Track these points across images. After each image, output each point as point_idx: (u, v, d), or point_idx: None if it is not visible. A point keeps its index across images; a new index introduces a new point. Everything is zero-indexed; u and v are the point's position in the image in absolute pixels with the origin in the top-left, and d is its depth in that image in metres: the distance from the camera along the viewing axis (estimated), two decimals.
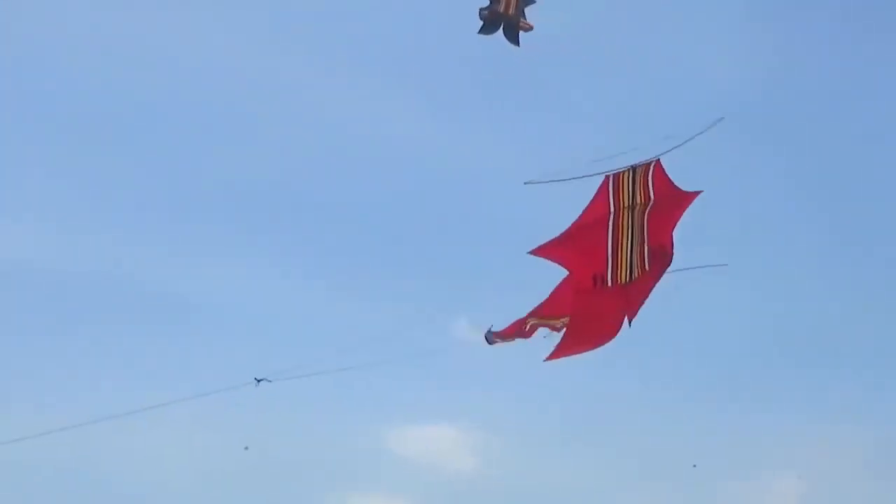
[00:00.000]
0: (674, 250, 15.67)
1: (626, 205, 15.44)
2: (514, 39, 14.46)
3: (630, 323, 15.78)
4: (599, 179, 15.44)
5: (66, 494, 38.03)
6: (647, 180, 15.44)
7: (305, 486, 44.03)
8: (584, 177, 15.19)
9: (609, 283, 15.64)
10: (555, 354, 15.89)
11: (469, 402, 41.00)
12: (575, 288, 15.76)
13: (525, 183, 15.14)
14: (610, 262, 15.61)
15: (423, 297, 44.79)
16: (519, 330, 15.99)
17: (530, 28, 14.45)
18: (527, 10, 14.19)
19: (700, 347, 43.35)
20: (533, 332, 16.12)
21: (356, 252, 44.80)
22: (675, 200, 15.66)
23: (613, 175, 15.33)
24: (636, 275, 15.64)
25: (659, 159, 15.20)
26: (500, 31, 14.41)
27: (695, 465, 39.22)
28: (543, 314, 15.88)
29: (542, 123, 40.85)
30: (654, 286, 15.59)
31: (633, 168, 15.25)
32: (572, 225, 15.52)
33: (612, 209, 15.47)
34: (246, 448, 31.18)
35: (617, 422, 43.64)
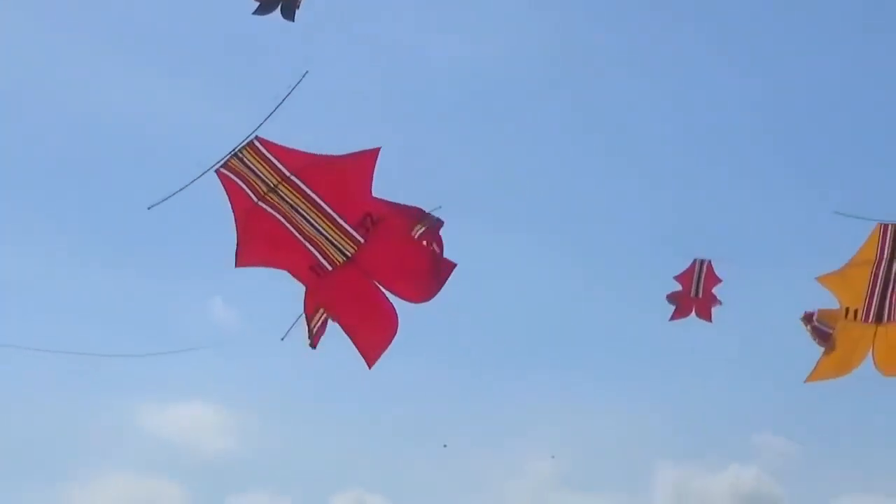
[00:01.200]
0: (396, 209, 15.12)
1: (264, 191, 14.75)
2: (291, 16, 14.47)
3: (434, 291, 15.28)
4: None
5: None
6: (266, 157, 14.64)
7: (49, 467, 43.16)
8: (193, 182, 14.35)
9: (329, 267, 15.08)
10: (369, 359, 15.33)
11: (225, 380, 40.98)
12: (303, 283, 15.14)
13: (148, 208, 14.36)
14: (311, 248, 15.03)
15: (179, 276, 44.49)
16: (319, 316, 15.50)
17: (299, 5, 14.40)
18: None
19: (464, 326, 44.09)
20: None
21: (103, 223, 44.12)
22: (343, 166, 14.92)
23: (224, 166, 14.53)
24: (350, 251, 15.05)
25: (257, 136, 14.46)
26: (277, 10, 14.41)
27: (445, 445, 39.96)
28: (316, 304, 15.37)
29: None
30: (408, 250, 15.20)
31: (235, 153, 14.51)
32: (236, 224, 14.79)
33: (253, 198, 14.75)
34: None
35: (372, 398, 44.14)
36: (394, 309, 15.32)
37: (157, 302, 42.17)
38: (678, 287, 24.20)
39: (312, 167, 14.90)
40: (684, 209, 44.79)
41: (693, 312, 24.30)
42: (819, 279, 16.04)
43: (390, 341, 15.47)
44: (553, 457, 41.99)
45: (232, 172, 14.64)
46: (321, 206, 14.98)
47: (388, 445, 44.54)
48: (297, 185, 14.87)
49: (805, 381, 16.22)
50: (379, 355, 15.47)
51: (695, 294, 24.06)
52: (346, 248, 15.05)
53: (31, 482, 42.89)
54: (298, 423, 45.90)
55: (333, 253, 15.07)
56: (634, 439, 44.86)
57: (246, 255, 14.94)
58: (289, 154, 14.78)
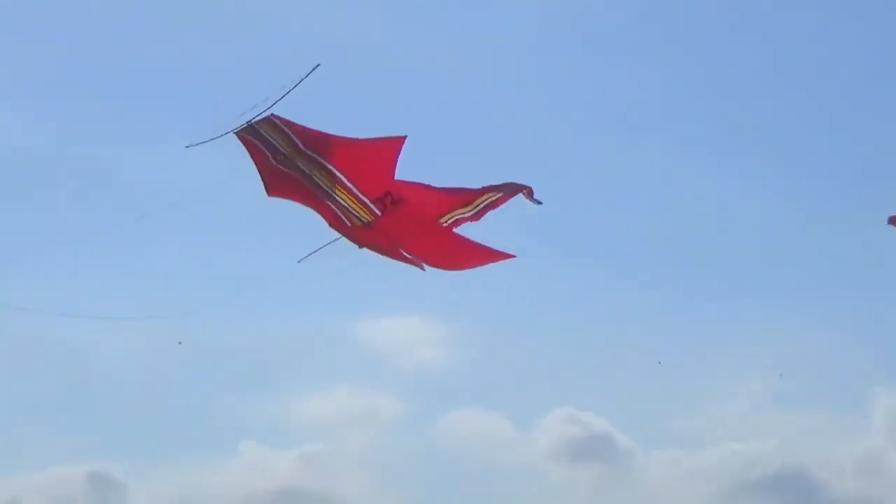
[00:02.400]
0: (426, 194, 16.29)
1: (283, 155, 15.99)
2: None
3: (461, 267, 16.95)
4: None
5: None
6: (282, 131, 15.95)
7: (275, 379, 44.58)
8: (213, 139, 15.85)
9: (348, 223, 16.46)
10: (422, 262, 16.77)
11: (434, 294, 41.54)
12: (331, 226, 16.77)
13: (186, 147, 16.05)
14: (331, 205, 16.39)
15: None
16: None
17: None
18: None
19: (684, 250, 43.70)
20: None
21: None
22: (365, 147, 16.01)
23: (241, 132, 15.97)
24: (367, 220, 16.27)
25: (272, 113, 15.74)
26: None
27: (660, 362, 39.87)
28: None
29: None
30: (431, 233, 16.30)
31: (251, 123, 15.88)
32: (259, 174, 16.35)
33: (272, 160, 16.13)
34: (180, 343, 32.11)
35: (586, 317, 44.19)
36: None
37: None
38: None
39: (329, 145, 15.96)
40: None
41: None
42: None
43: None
44: (780, 375, 41.53)
45: (252, 133, 15.95)
46: (337, 177, 16.03)
47: (601, 363, 44.69)
48: (311, 157, 15.92)
49: None
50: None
51: None
52: (363, 216, 16.27)
53: (259, 395, 44.53)
54: (512, 340, 46.33)
55: (350, 217, 16.35)
56: (851, 363, 44.10)
57: (274, 191, 16.38)
58: (304, 131, 15.96)
